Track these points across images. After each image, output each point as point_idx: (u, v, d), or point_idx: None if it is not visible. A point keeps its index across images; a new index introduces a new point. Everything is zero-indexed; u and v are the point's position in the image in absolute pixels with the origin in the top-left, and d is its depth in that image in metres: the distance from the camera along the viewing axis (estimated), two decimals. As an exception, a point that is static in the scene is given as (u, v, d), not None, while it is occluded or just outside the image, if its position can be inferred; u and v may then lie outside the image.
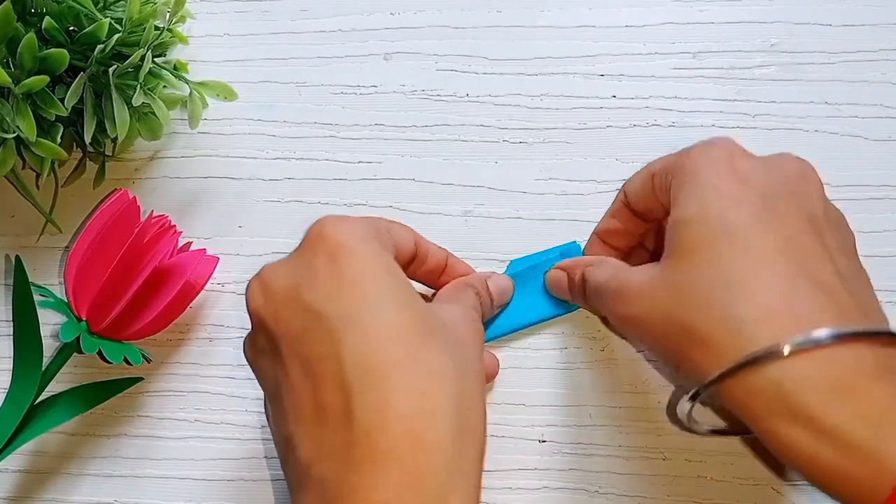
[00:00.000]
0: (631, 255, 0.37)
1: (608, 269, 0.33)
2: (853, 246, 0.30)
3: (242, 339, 0.38)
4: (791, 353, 0.25)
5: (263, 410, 0.32)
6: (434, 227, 0.39)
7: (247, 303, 0.29)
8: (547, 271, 0.37)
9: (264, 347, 0.28)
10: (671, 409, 0.36)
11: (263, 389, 0.30)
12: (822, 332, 0.24)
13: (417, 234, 0.33)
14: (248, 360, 0.30)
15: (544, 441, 0.37)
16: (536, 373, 0.38)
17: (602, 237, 0.37)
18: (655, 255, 0.36)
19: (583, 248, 0.38)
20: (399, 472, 0.24)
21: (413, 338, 0.26)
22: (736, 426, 0.34)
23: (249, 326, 0.39)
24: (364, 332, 0.25)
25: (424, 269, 0.34)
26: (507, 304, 0.37)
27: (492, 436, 0.37)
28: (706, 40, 0.40)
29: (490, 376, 0.37)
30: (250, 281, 0.29)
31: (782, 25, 0.39)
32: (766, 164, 0.29)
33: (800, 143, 0.39)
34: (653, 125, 0.39)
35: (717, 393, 0.27)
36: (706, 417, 0.34)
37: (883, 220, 0.38)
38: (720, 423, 0.34)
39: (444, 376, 0.26)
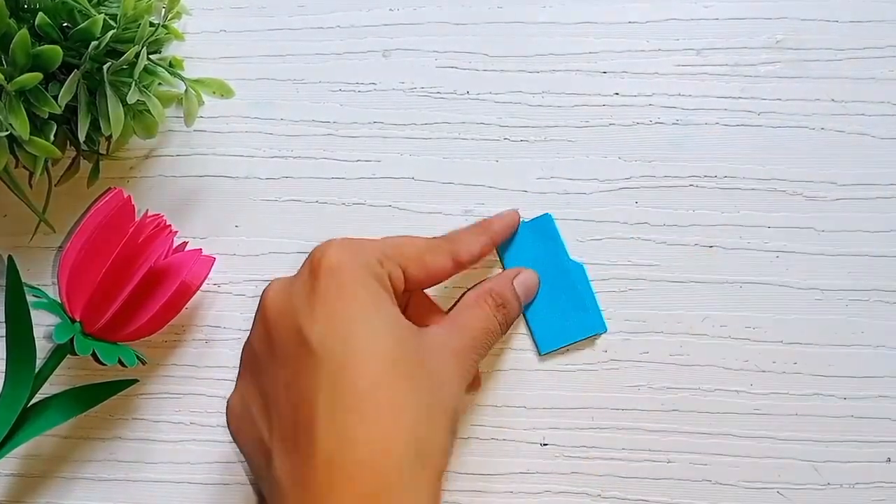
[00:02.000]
0: None
1: None
2: None
3: (239, 341, 0.38)
4: None
5: (227, 407, 0.33)
6: (434, 226, 0.39)
7: (261, 304, 0.31)
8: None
9: (267, 360, 0.30)
10: None
11: (251, 388, 0.31)
12: None
13: (456, 244, 0.34)
14: (250, 352, 0.32)
15: (546, 444, 0.37)
16: (538, 374, 0.37)
17: None
18: None
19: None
20: (354, 498, 0.26)
21: (382, 369, 0.28)
22: None
23: (246, 328, 0.39)
24: (340, 362, 0.28)
25: (468, 266, 0.35)
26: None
27: (493, 439, 0.37)
28: (710, 37, 0.39)
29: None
30: (267, 288, 0.32)
31: (788, 22, 0.39)
32: None
33: (805, 141, 0.38)
34: (656, 123, 0.39)
35: None
36: None
37: (890, 220, 0.37)
38: None
39: (404, 408, 0.28)
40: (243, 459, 0.38)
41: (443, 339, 0.32)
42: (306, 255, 0.31)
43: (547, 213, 0.38)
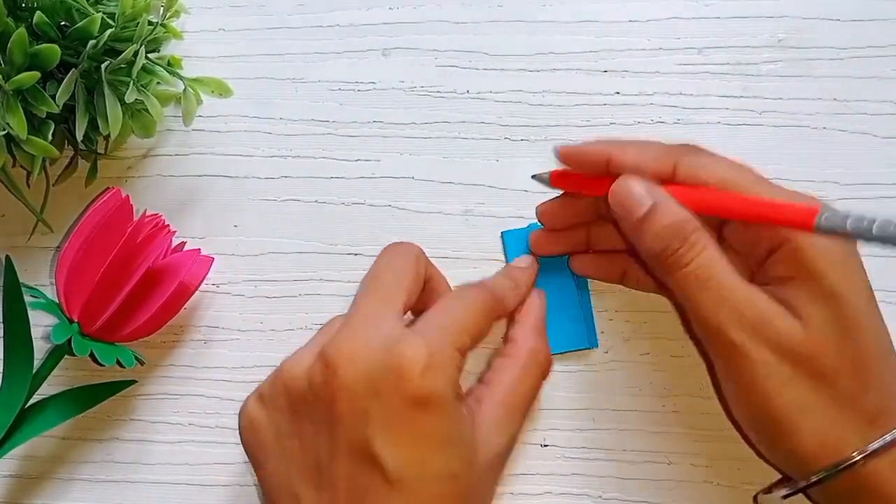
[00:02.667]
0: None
1: (716, 264, 0.30)
2: None
3: (238, 342, 0.38)
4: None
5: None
6: (434, 226, 0.38)
7: (336, 368, 0.28)
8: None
9: (314, 415, 0.29)
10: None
11: (277, 442, 0.30)
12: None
13: (503, 304, 0.33)
14: (300, 388, 0.29)
15: (546, 445, 0.37)
16: (538, 375, 0.37)
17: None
18: None
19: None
20: None
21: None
22: None
23: (245, 328, 0.38)
24: (411, 497, 0.27)
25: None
26: None
27: (493, 440, 0.37)
28: (712, 35, 0.39)
29: None
30: (339, 347, 0.29)
31: (790, 20, 0.39)
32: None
33: (807, 140, 0.38)
34: (657, 122, 0.38)
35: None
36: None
37: (893, 220, 0.37)
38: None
39: None
40: (242, 461, 0.38)
41: (502, 453, 0.31)
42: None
43: None
